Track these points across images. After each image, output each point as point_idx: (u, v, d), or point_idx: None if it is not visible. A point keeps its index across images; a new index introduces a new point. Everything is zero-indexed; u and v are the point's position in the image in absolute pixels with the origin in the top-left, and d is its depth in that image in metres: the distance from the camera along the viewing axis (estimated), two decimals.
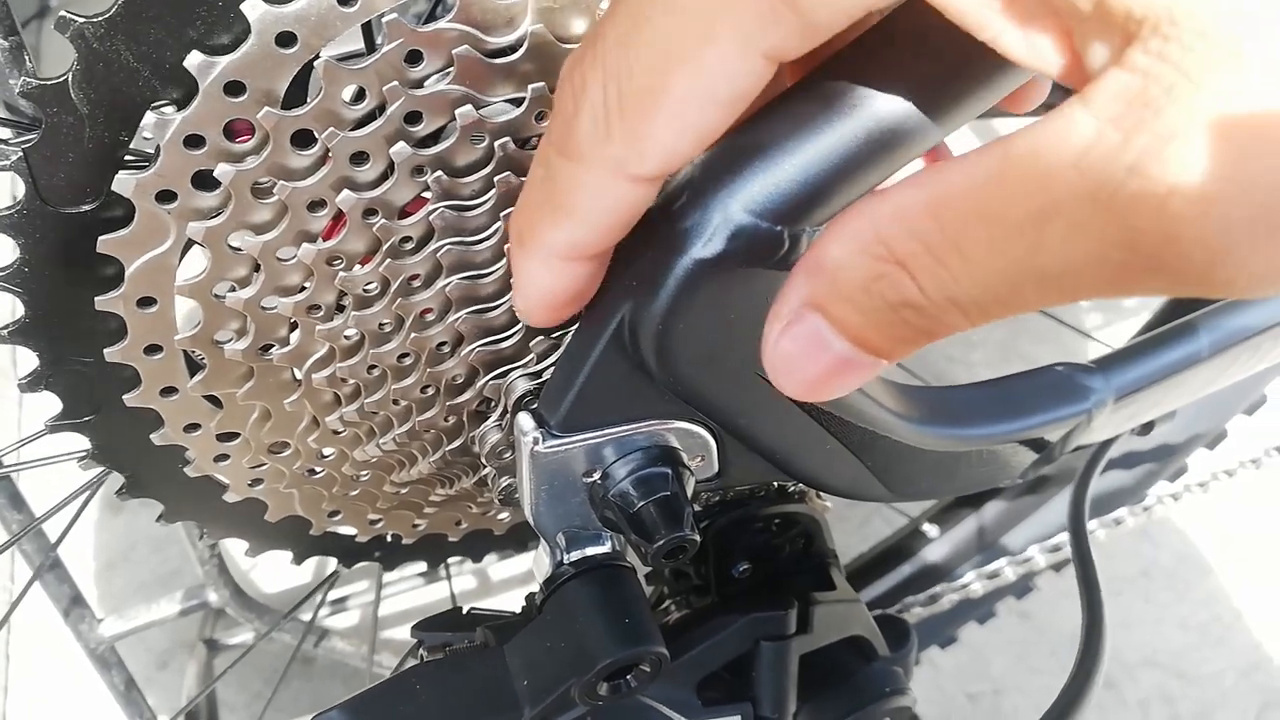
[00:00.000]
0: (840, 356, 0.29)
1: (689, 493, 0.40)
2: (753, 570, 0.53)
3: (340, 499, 0.52)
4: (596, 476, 0.40)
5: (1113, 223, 0.22)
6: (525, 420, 0.39)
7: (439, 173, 0.39)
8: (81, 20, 0.34)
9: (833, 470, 0.44)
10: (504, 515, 0.58)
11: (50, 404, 0.45)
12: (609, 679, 0.42)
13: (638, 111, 0.28)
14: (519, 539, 0.62)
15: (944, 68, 0.31)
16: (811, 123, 0.32)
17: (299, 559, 0.56)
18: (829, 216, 0.32)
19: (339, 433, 0.47)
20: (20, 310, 0.41)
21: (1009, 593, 0.97)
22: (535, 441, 0.38)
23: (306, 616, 0.94)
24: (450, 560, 0.63)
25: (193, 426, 0.46)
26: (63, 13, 0.35)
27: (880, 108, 0.31)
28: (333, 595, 1.14)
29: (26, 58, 0.49)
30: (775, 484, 0.53)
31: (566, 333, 0.43)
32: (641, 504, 0.39)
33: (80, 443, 0.46)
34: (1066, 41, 0.24)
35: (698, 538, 0.40)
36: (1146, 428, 0.58)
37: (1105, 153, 0.22)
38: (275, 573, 1.22)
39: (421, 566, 0.63)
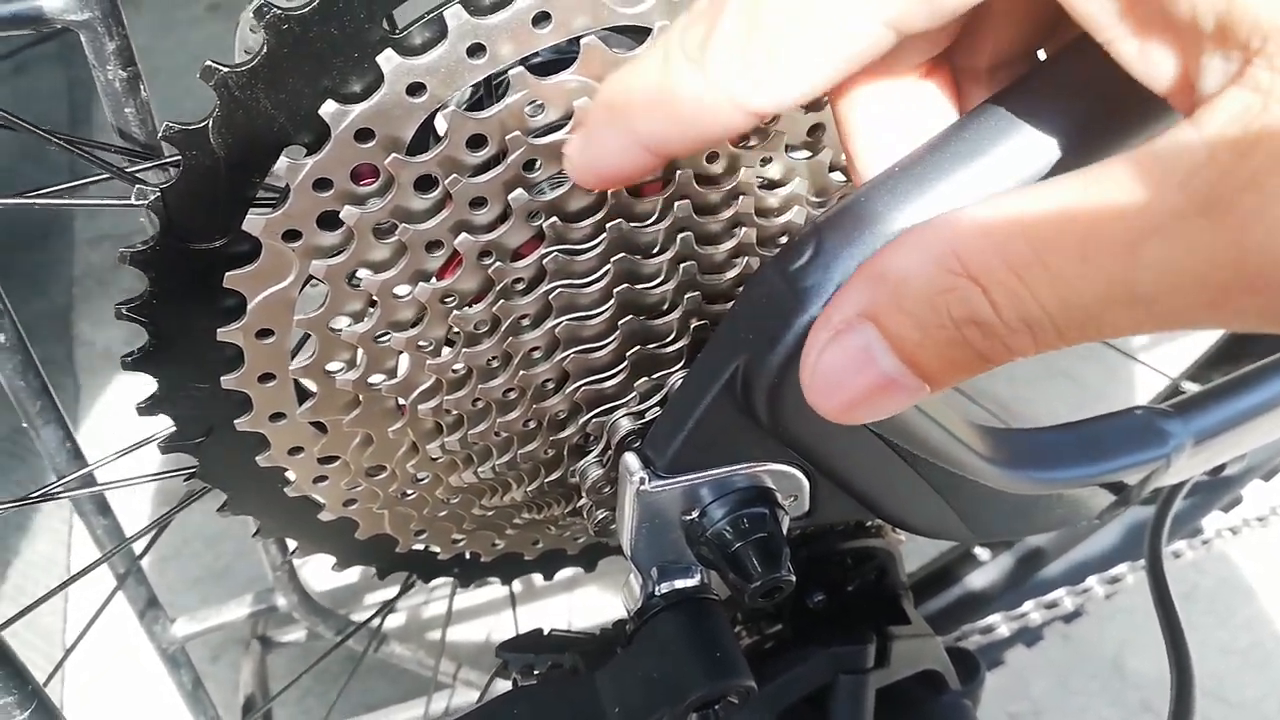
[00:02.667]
0: (886, 376, 0.27)
1: (785, 532, 0.42)
2: (827, 604, 0.54)
3: (429, 520, 0.53)
4: (695, 515, 0.42)
5: (1220, 240, 0.22)
6: (632, 461, 0.40)
7: (554, 218, 0.41)
8: (225, 70, 0.36)
9: (920, 512, 0.45)
10: (580, 538, 0.60)
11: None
12: (698, 709, 0.43)
13: (762, 47, 0.28)
14: (590, 558, 0.63)
15: (1075, 131, 0.31)
16: (932, 189, 0.32)
17: (382, 575, 0.58)
18: None
19: (437, 459, 0.48)
20: (144, 339, 0.42)
21: (1058, 618, 0.97)
22: (642, 482, 0.40)
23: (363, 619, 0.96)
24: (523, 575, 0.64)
25: (296, 450, 0.48)
26: (208, 62, 0.36)
27: (1002, 171, 0.32)
28: (380, 598, 1.16)
29: (141, 88, 0.50)
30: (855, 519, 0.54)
31: (669, 373, 0.45)
32: (740, 544, 0.41)
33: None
34: (1181, 59, 0.24)
35: (794, 578, 0.41)
36: (1217, 469, 0.59)
37: (1218, 172, 0.22)
38: (326, 573, 1.24)
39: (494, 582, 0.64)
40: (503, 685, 0.54)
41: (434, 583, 0.99)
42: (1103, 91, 0.29)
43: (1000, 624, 0.74)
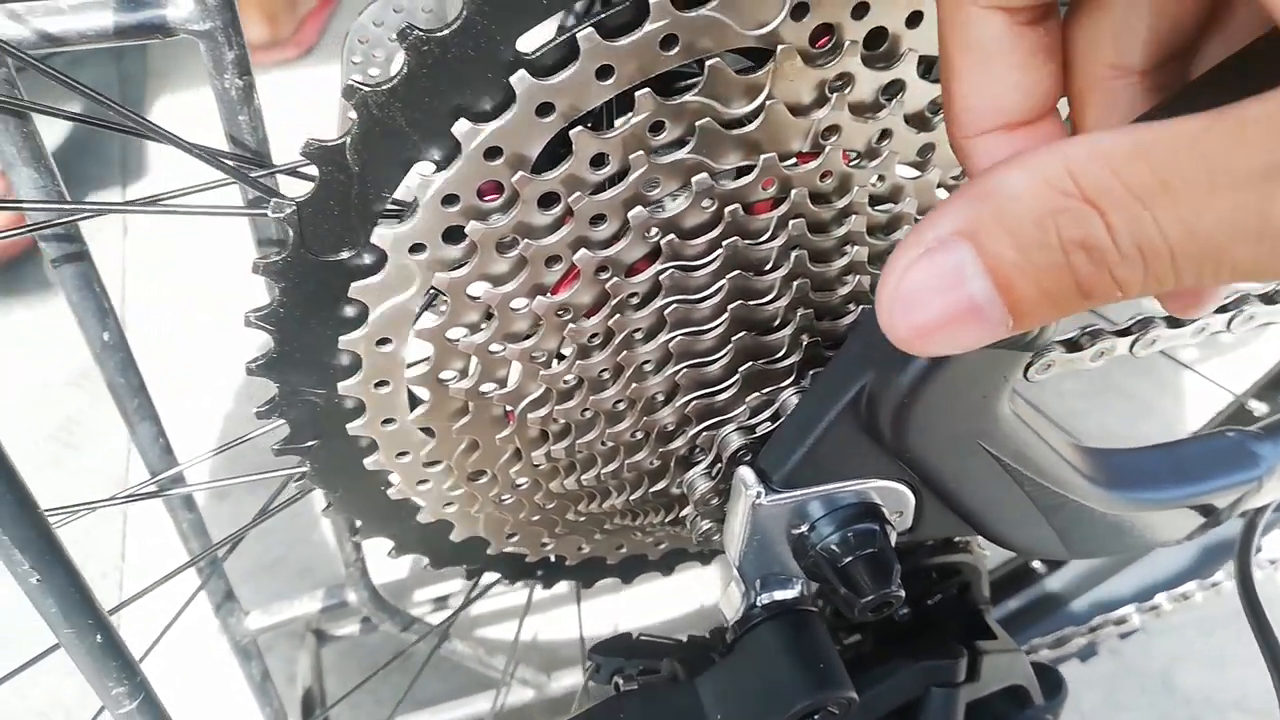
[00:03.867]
0: (972, 301, 0.25)
1: (894, 550, 0.42)
2: (912, 617, 0.55)
3: (523, 524, 0.54)
4: (804, 529, 0.42)
5: None
6: (748, 475, 0.41)
7: (670, 235, 0.42)
8: (367, 89, 0.37)
9: (1021, 531, 0.45)
10: (662, 545, 0.60)
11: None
12: (801, 719, 0.44)
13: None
14: (668, 564, 0.64)
15: None
16: None
17: (471, 575, 0.59)
18: None
19: (539, 466, 0.49)
20: (270, 346, 0.44)
21: (1114, 633, 0.97)
22: (758, 496, 0.40)
23: (431, 616, 0.98)
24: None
25: (403, 454, 0.49)
26: (350, 81, 0.38)
27: None
28: (434, 593, 1.17)
29: (255, 96, 0.52)
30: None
31: (779, 388, 0.45)
32: (850, 559, 0.41)
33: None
34: None
35: (904, 593, 0.41)
36: None
37: None
38: (384, 568, 1.26)
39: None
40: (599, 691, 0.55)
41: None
42: None
43: (1071, 638, 0.74)
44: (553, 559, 0.60)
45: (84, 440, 1.49)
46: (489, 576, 0.62)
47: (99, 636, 0.44)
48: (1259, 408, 0.87)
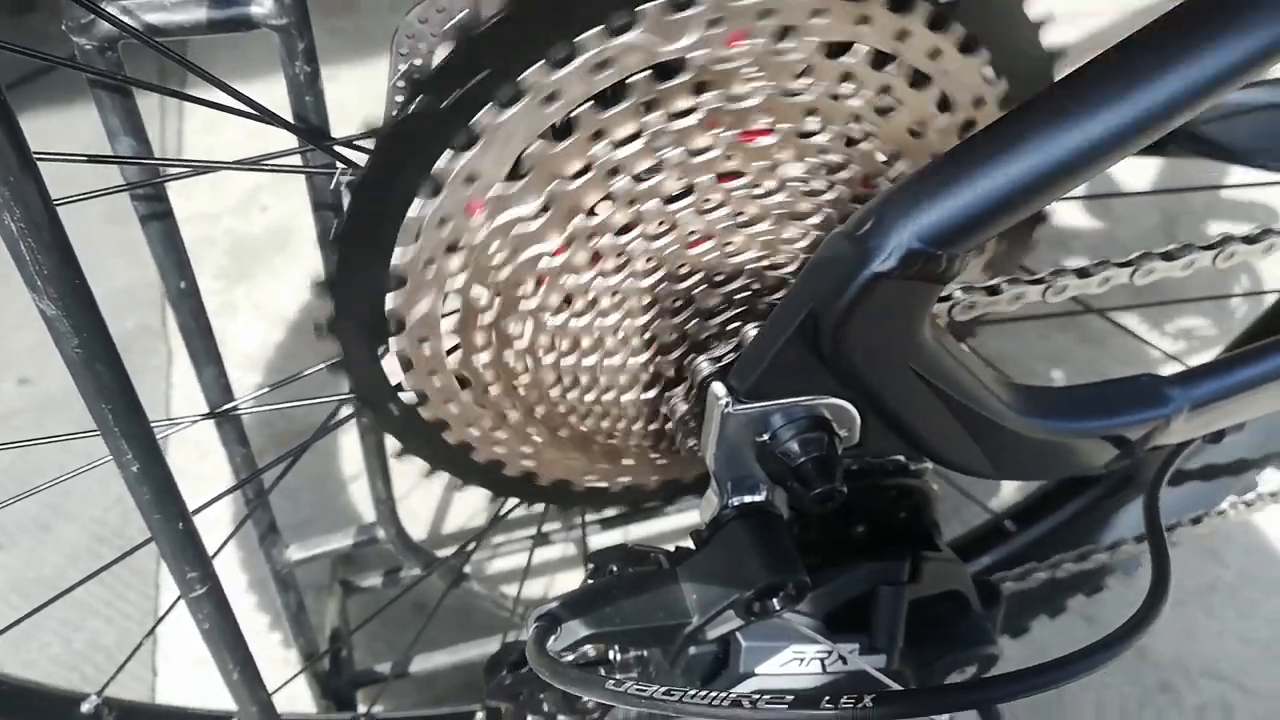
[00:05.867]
0: None
1: (839, 454, 0.51)
2: (868, 533, 0.64)
3: (541, 448, 0.63)
4: (766, 437, 0.51)
5: None
6: (718, 388, 0.50)
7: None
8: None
9: (954, 449, 0.54)
10: (656, 475, 0.70)
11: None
12: (761, 598, 0.53)
13: None
14: (668, 494, 0.73)
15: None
16: (983, 166, 0.42)
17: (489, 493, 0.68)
18: (983, 243, 0.42)
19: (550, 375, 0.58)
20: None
21: (1080, 589, 1.05)
22: (726, 405, 0.50)
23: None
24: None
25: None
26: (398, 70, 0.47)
27: (1049, 148, 0.40)
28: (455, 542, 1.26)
29: (319, 81, 0.61)
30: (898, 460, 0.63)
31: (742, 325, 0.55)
32: (802, 459, 0.50)
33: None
34: None
35: (845, 490, 0.50)
36: (1218, 436, 0.67)
37: None
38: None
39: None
40: None
41: (512, 532, 1.10)
42: None
43: (1034, 572, 0.83)
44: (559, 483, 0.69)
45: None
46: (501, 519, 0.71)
47: (180, 524, 0.53)
48: None
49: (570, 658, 0.53)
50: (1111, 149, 0.41)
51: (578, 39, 0.46)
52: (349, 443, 1.40)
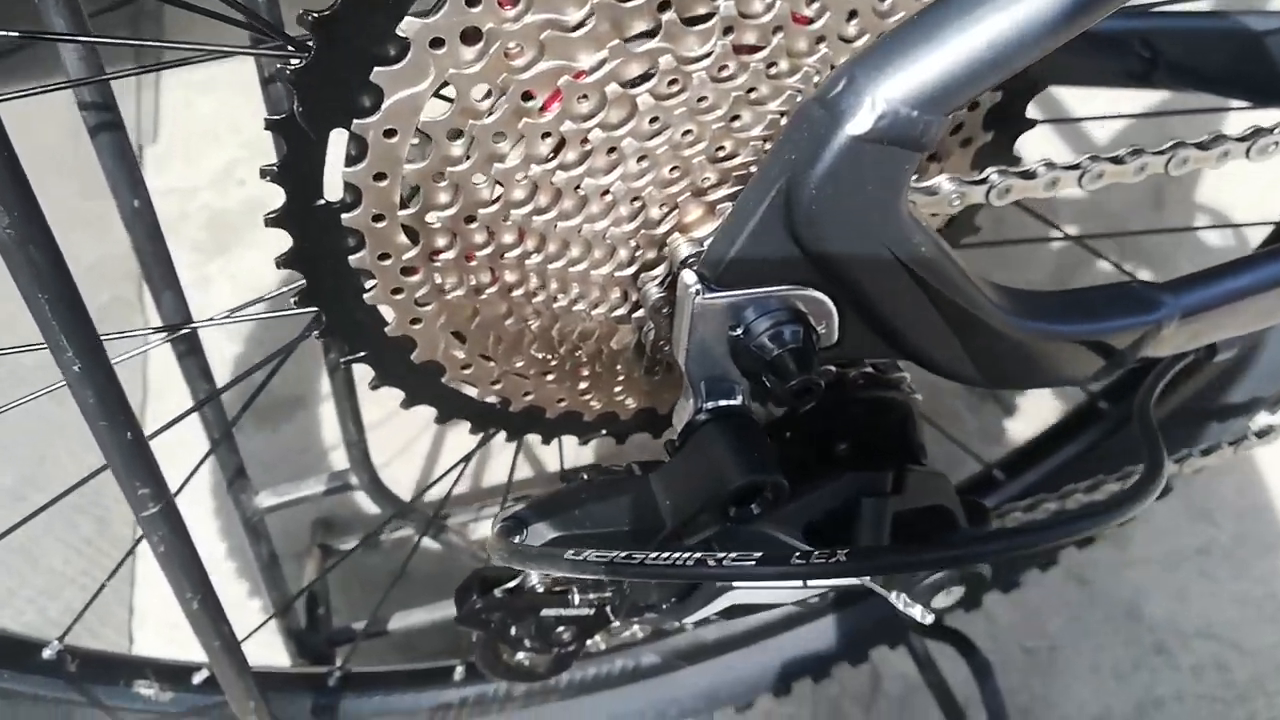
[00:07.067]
0: None
1: (816, 346, 0.49)
2: (850, 451, 0.62)
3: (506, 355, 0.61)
4: (740, 331, 0.49)
5: None
6: (688, 275, 0.48)
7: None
8: None
9: (936, 347, 0.52)
10: (631, 403, 0.67)
11: None
12: (736, 502, 0.51)
13: None
14: (642, 420, 0.71)
15: None
16: (959, 21, 0.40)
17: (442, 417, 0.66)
18: (963, 105, 0.40)
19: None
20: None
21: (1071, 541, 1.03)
22: (697, 293, 0.47)
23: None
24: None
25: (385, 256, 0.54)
26: None
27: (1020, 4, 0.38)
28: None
29: None
30: (877, 371, 0.61)
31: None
32: (778, 352, 0.48)
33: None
34: None
35: (823, 383, 0.48)
36: (1210, 351, 0.65)
37: None
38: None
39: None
40: None
41: (489, 478, 1.07)
42: None
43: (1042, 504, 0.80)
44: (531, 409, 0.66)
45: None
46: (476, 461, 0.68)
47: (128, 434, 0.51)
48: None
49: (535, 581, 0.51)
50: (1083, 4, 0.39)
51: None
52: (327, 413, 1.38)
